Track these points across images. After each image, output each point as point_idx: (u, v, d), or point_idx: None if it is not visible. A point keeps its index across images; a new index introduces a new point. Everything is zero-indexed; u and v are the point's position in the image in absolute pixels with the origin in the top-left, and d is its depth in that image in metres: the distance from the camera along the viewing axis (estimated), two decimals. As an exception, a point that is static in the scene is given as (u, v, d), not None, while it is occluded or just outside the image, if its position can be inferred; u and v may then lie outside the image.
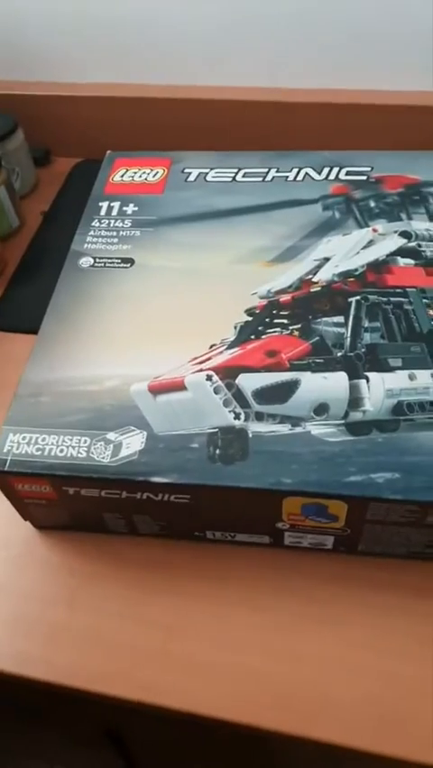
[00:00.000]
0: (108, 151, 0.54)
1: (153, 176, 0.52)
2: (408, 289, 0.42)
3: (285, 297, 0.42)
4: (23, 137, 0.64)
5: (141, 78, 0.63)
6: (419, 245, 0.44)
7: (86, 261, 0.46)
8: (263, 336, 0.40)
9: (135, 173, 0.52)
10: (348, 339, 0.40)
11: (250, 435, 0.36)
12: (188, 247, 0.46)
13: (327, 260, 0.44)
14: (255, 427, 0.37)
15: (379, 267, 0.43)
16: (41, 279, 0.59)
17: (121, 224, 0.48)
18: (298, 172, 0.50)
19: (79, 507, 0.39)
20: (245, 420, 0.37)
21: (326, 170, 0.50)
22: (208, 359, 0.39)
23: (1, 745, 0.82)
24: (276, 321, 0.41)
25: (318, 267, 0.44)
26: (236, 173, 0.51)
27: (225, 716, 0.36)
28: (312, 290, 0.42)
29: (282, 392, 0.38)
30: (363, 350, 0.39)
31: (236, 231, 0.47)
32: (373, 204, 0.47)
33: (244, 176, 0.51)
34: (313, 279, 0.43)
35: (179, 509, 0.38)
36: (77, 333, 0.42)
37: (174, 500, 0.37)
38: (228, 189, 0.50)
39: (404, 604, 0.39)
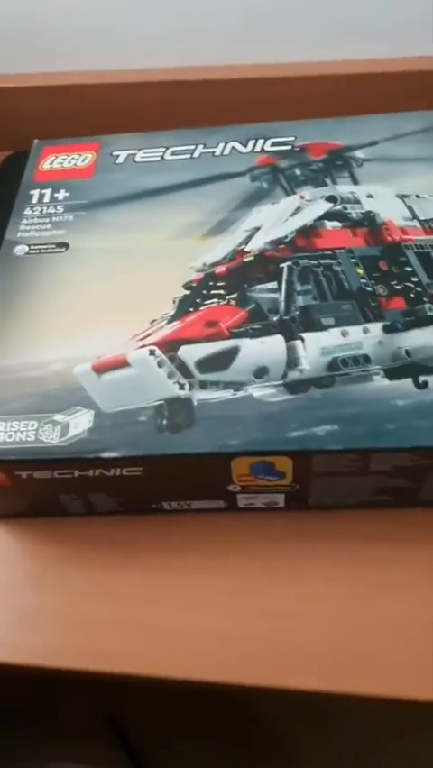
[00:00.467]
0: (35, 140, 0.54)
1: (82, 161, 0.52)
2: (336, 251, 0.43)
3: (220, 269, 0.43)
4: None
5: (64, 66, 0.62)
6: (345, 208, 0.46)
7: (20, 249, 0.46)
8: (202, 308, 0.41)
9: (64, 159, 0.52)
10: (282, 303, 0.41)
11: (195, 404, 0.37)
12: (122, 228, 0.47)
13: (257, 229, 0.45)
14: (200, 395, 0.38)
15: (308, 232, 0.44)
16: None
17: (53, 210, 0.48)
18: (224, 147, 0.51)
19: (34, 492, 0.40)
20: (190, 390, 0.38)
21: (251, 143, 0.51)
22: (150, 334, 0.40)
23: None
24: (213, 292, 0.42)
25: (250, 237, 0.45)
26: (164, 152, 0.51)
27: (197, 676, 0.38)
28: (245, 260, 0.43)
29: (223, 360, 0.39)
30: (297, 312, 0.40)
31: (168, 208, 0.47)
32: (298, 172, 0.49)
33: (172, 154, 0.51)
34: (246, 249, 0.44)
35: (132, 483, 0.38)
36: (16, 322, 0.42)
37: (127, 474, 0.38)
38: (157, 168, 0.50)
39: (356, 553, 0.40)
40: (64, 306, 0.43)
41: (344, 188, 0.47)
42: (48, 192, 0.50)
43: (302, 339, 0.39)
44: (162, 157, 0.51)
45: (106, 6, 0.58)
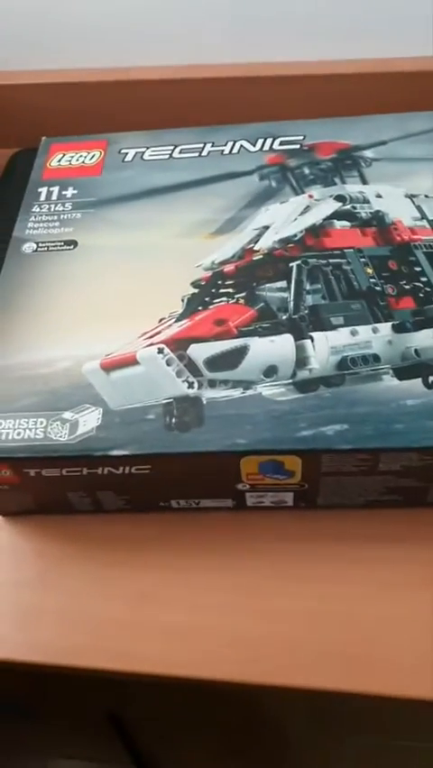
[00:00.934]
0: (43, 138, 0.54)
1: (90, 158, 0.52)
2: (345, 250, 0.43)
3: (229, 268, 0.43)
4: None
5: (72, 64, 0.62)
6: (354, 207, 0.45)
7: (29, 247, 0.46)
8: (211, 306, 0.41)
9: (72, 157, 0.52)
10: (291, 302, 0.41)
11: (204, 402, 0.37)
12: (131, 225, 0.47)
13: (266, 228, 0.45)
14: (209, 394, 0.38)
15: (317, 231, 0.44)
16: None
17: (61, 208, 0.48)
18: (233, 145, 0.51)
19: (43, 489, 0.40)
20: (199, 388, 0.38)
21: (260, 142, 0.51)
22: (158, 333, 0.40)
23: (-7, 746, 0.82)
24: (222, 291, 0.42)
25: (259, 235, 0.45)
26: (173, 150, 0.51)
27: (201, 674, 0.38)
28: (254, 259, 0.43)
29: (232, 358, 0.39)
30: (306, 311, 0.40)
31: (177, 206, 0.47)
32: (307, 171, 0.48)
33: (180, 152, 0.51)
34: (255, 248, 0.44)
35: (141, 481, 0.38)
36: (25, 319, 0.42)
37: (135, 472, 0.38)
38: (166, 166, 0.50)
39: (364, 553, 0.40)
40: (72, 303, 0.43)
41: (353, 188, 0.47)
42: (56, 189, 0.49)
43: (311, 338, 0.39)
44: (171, 155, 0.51)
45: (116, 3, 0.58)
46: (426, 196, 0.46)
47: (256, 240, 0.44)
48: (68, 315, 0.42)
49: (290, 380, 0.38)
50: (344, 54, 0.55)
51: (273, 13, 0.55)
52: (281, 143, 0.51)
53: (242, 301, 0.41)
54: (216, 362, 0.39)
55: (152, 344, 0.39)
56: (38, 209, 0.48)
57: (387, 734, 0.60)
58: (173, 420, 0.37)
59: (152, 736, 0.71)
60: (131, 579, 0.41)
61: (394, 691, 0.36)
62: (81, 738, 0.78)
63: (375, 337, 0.39)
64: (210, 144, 0.51)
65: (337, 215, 0.45)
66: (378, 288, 0.41)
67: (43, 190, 0.50)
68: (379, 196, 0.46)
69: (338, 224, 0.45)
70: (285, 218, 0.45)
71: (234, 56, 0.58)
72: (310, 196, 0.47)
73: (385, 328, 0.39)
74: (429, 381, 0.37)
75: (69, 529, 0.43)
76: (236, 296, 0.42)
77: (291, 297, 0.41)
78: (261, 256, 0.43)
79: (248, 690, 0.39)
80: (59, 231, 0.47)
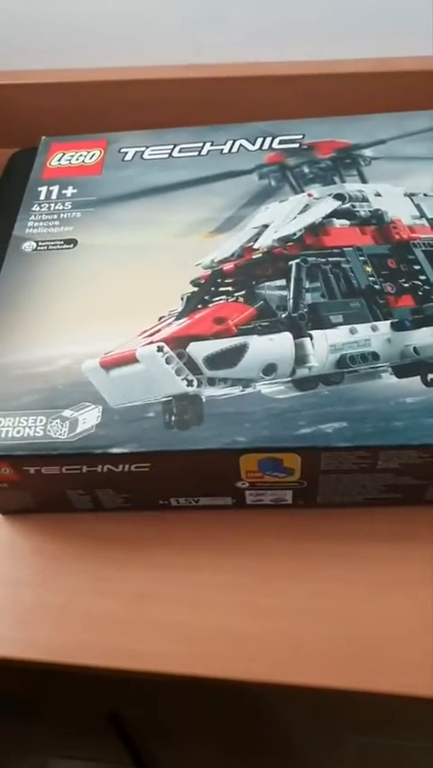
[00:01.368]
0: (43, 137, 0.54)
1: (90, 158, 0.52)
2: (345, 249, 0.43)
3: (228, 266, 0.43)
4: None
5: (72, 63, 0.62)
6: (353, 206, 0.46)
7: (28, 246, 0.46)
8: (210, 305, 0.41)
9: (72, 156, 0.52)
10: (291, 300, 0.41)
11: (204, 400, 0.37)
12: (130, 224, 0.47)
13: (265, 226, 0.45)
14: (208, 392, 0.38)
15: (316, 229, 0.44)
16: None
17: (61, 207, 0.48)
18: (232, 144, 0.51)
19: (42, 487, 0.40)
20: (198, 386, 0.38)
21: (259, 141, 0.51)
22: (158, 331, 0.40)
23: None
24: (221, 289, 0.42)
25: (258, 234, 0.45)
26: (172, 149, 0.51)
27: (201, 673, 0.38)
28: (254, 257, 0.43)
29: (232, 356, 0.39)
30: (305, 309, 0.40)
31: (176, 205, 0.47)
32: (306, 169, 0.49)
33: (179, 151, 0.51)
34: (254, 247, 0.44)
35: (140, 479, 0.38)
36: (25, 317, 0.42)
37: (135, 470, 0.38)
38: (165, 166, 0.50)
39: (363, 551, 0.40)
40: (72, 302, 0.43)
41: (352, 186, 0.47)
42: (56, 189, 0.50)
43: (311, 336, 0.39)
44: (170, 154, 0.51)
45: (116, 3, 0.58)
46: (425, 195, 0.46)
47: (256, 238, 0.45)
48: (67, 313, 0.42)
49: (289, 378, 0.38)
50: (344, 54, 0.55)
51: (273, 12, 0.55)
52: (281, 142, 0.51)
53: (241, 299, 0.41)
54: (215, 360, 0.39)
55: (151, 342, 0.39)
56: (38, 208, 0.48)
57: (387, 734, 0.60)
58: (173, 418, 0.37)
59: (152, 736, 0.71)
60: (129, 577, 0.41)
61: (394, 689, 0.36)
62: (81, 738, 0.78)
63: (374, 335, 0.39)
64: (210, 143, 0.51)
65: (337, 214, 0.45)
66: (377, 287, 0.41)
67: (43, 189, 0.50)
68: (378, 194, 0.46)
69: (338, 222, 0.45)
70: (284, 217, 0.46)
71: (234, 56, 0.58)
72: (310, 195, 0.47)
73: (384, 326, 0.39)
74: (428, 379, 0.37)
75: (69, 528, 0.43)
76: (236, 294, 0.42)
77: (291, 296, 0.41)
78: (260, 254, 0.44)
79: (248, 688, 0.39)
80: (58, 230, 0.47)
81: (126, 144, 0.52)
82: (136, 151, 0.52)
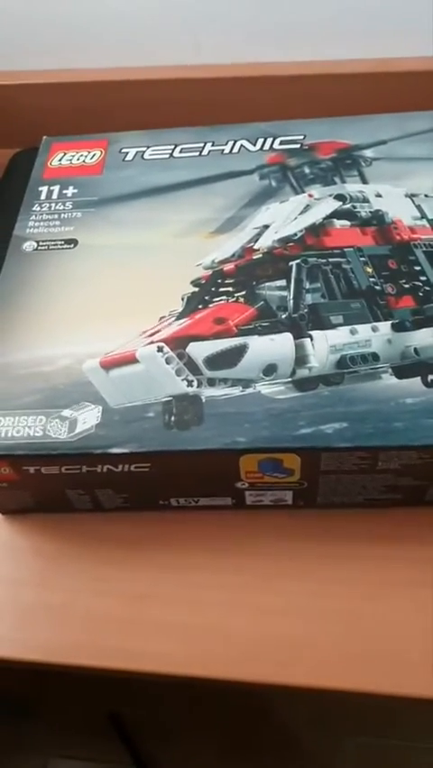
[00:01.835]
0: (44, 137, 0.54)
1: (91, 158, 0.52)
2: (345, 249, 0.43)
3: (229, 267, 0.43)
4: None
5: (74, 64, 0.62)
6: (354, 207, 0.46)
7: (29, 246, 0.46)
8: (210, 305, 0.41)
9: (73, 156, 0.52)
10: (291, 301, 0.41)
11: (204, 400, 0.37)
12: (131, 224, 0.47)
13: (266, 227, 0.45)
14: (208, 392, 0.38)
15: (317, 230, 0.44)
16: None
17: (62, 207, 0.48)
18: (233, 145, 0.51)
19: (42, 487, 0.40)
20: (198, 386, 0.38)
21: (260, 141, 0.51)
22: (158, 331, 0.40)
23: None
24: (222, 290, 0.42)
25: (259, 234, 0.45)
26: (173, 150, 0.51)
27: (201, 673, 0.38)
28: (254, 257, 0.43)
29: (232, 357, 0.39)
30: (305, 310, 0.40)
31: (177, 205, 0.47)
32: (307, 170, 0.49)
33: (180, 152, 0.51)
34: (254, 247, 0.44)
35: (140, 479, 0.38)
36: (26, 317, 0.42)
37: (134, 470, 0.38)
38: (166, 166, 0.50)
39: (363, 551, 0.40)
40: (72, 302, 0.43)
41: (353, 187, 0.47)
42: (56, 188, 0.50)
43: (311, 337, 0.39)
44: (171, 154, 0.51)
45: (116, 4, 0.58)
46: (426, 196, 0.46)
47: (256, 239, 0.45)
48: (68, 313, 0.42)
49: (290, 379, 0.38)
50: (344, 54, 0.55)
51: (274, 13, 0.55)
52: (281, 143, 0.51)
53: (242, 300, 0.41)
54: (215, 361, 0.39)
55: (152, 343, 0.39)
56: (38, 208, 0.48)
57: (387, 734, 0.60)
58: (173, 418, 0.37)
59: (153, 736, 0.71)
60: (129, 578, 0.41)
61: (394, 690, 0.36)
62: (81, 738, 0.78)
63: (375, 336, 0.39)
64: (210, 144, 0.51)
65: (337, 214, 0.45)
66: (378, 287, 0.41)
67: (44, 189, 0.50)
68: (379, 195, 0.46)
69: (338, 223, 0.45)
70: (285, 217, 0.46)
71: (235, 56, 0.58)
72: (310, 196, 0.47)
73: (385, 327, 0.39)
74: (429, 380, 0.37)
75: (69, 527, 0.43)
76: (236, 294, 0.42)
77: (291, 296, 0.41)
78: (260, 255, 0.44)
79: (248, 689, 0.39)
80: (59, 230, 0.47)
81: (127, 144, 0.52)
82: (137, 152, 0.52)
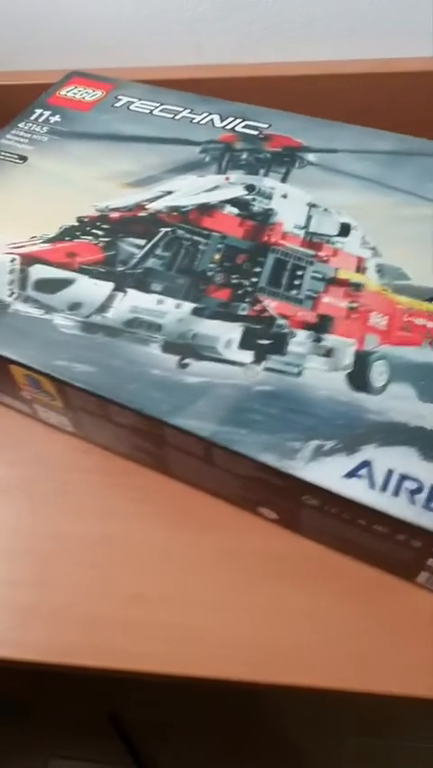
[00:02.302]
0: (73, 69, 0.61)
1: (91, 96, 0.58)
2: (213, 233, 0.45)
3: (115, 215, 0.47)
4: None
5: (75, 64, 0.65)
6: (254, 199, 0.47)
7: (-8, 152, 0.54)
8: (75, 240, 0.46)
9: (79, 91, 0.58)
10: (135, 259, 0.44)
11: (9, 311, 0.43)
12: (74, 158, 0.52)
13: (169, 193, 0.48)
14: (18, 306, 0.43)
15: (206, 209, 0.47)
16: None
17: (38, 129, 0.55)
18: (206, 117, 0.54)
19: None
20: (15, 299, 0.43)
21: (229, 120, 0.53)
22: (23, 246, 0.46)
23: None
24: (94, 231, 0.47)
25: (158, 197, 0.48)
26: (156, 107, 0.56)
27: (200, 673, 0.38)
28: (139, 215, 0.47)
29: (56, 286, 0.44)
30: (140, 271, 0.44)
31: (118, 154, 0.52)
32: (244, 156, 0.50)
33: (160, 111, 0.55)
34: (147, 206, 0.48)
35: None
36: None
37: None
38: (139, 119, 0.55)
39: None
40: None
41: (267, 182, 0.48)
42: (46, 114, 0.57)
43: (125, 292, 0.43)
44: (151, 111, 0.55)
45: (117, 4, 0.62)
46: (325, 210, 0.46)
47: (153, 200, 0.48)
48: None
49: (83, 319, 0.42)
50: (344, 55, 0.54)
51: (274, 13, 0.56)
52: (246, 126, 0.53)
53: (101, 245, 0.46)
54: (42, 285, 0.44)
55: (10, 253, 0.46)
56: (23, 125, 0.56)
57: (387, 734, 0.61)
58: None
59: (152, 736, 0.72)
60: (129, 576, 0.41)
61: (394, 690, 0.36)
62: (81, 738, 0.80)
63: (173, 311, 0.41)
64: (189, 111, 0.55)
65: (234, 202, 0.47)
66: (209, 274, 0.43)
67: (38, 112, 0.57)
68: (284, 196, 0.47)
69: (228, 209, 0.47)
70: (190, 190, 0.48)
71: (235, 56, 0.59)
72: (227, 179, 0.49)
73: (187, 307, 0.41)
74: (182, 362, 0.39)
75: (68, 528, 0.43)
76: (100, 239, 0.46)
77: (138, 256, 0.45)
78: (145, 214, 0.47)
79: (248, 689, 0.38)
80: (22, 146, 0.54)
81: (125, 93, 0.57)
82: (127, 101, 0.57)
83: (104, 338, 0.41)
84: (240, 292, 0.42)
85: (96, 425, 0.43)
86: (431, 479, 0.33)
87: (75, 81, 0.60)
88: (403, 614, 0.37)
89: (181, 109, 0.55)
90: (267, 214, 0.46)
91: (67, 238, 0.46)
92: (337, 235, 0.44)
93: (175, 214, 0.47)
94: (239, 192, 0.48)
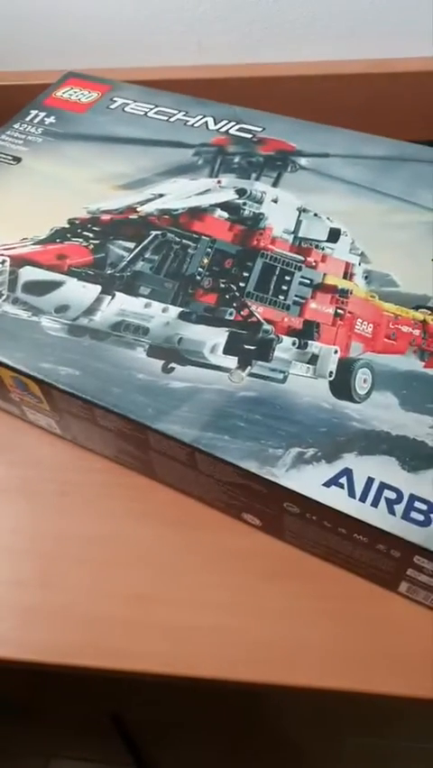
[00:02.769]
0: (68, 71, 0.61)
1: (87, 97, 0.58)
2: (202, 237, 0.45)
3: (106, 217, 0.47)
4: None
5: (76, 64, 0.65)
6: (244, 203, 0.47)
7: (-16, 152, 0.54)
8: (66, 242, 0.46)
9: (75, 93, 0.58)
10: (124, 262, 0.44)
11: (-1, 312, 0.43)
12: (68, 160, 0.52)
13: (161, 196, 0.48)
14: (7, 308, 0.43)
15: (196, 213, 0.47)
16: None
17: (33, 130, 0.55)
18: (201, 119, 0.54)
19: None
20: (5, 300, 0.44)
21: (223, 123, 0.53)
22: (14, 248, 0.46)
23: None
24: (84, 233, 0.47)
25: (149, 200, 0.48)
26: (151, 110, 0.56)
27: (201, 674, 0.38)
28: (130, 217, 0.47)
29: (45, 288, 0.44)
30: (128, 273, 0.44)
31: (112, 156, 0.52)
32: (237, 160, 0.50)
33: (155, 113, 0.55)
34: (138, 209, 0.48)
35: None
36: None
37: None
38: (135, 121, 0.55)
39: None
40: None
41: (259, 186, 0.48)
42: (42, 115, 0.57)
43: (113, 296, 0.43)
44: (146, 113, 0.55)
45: (117, 5, 0.61)
46: (315, 215, 0.46)
47: (144, 203, 0.48)
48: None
49: (69, 321, 0.42)
50: (344, 55, 0.54)
51: (274, 13, 0.56)
52: (239, 129, 0.53)
53: (91, 247, 0.46)
54: (31, 287, 0.44)
55: (1, 255, 0.46)
56: (18, 126, 0.56)
57: (387, 734, 0.60)
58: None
59: (152, 735, 0.72)
60: (130, 577, 0.41)
61: (394, 690, 0.36)
62: (82, 738, 0.80)
63: (160, 315, 0.41)
64: (183, 113, 0.55)
65: (225, 206, 0.47)
66: (198, 278, 0.43)
67: (33, 113, 0.57)
68: (275, 200, 0.47)
69: (218, 213, 0.47)
70: (181, 193, 0.48)
71: (236, 56, 0.59)
72: (219, 182, 0.49)
73: (174, 312, 0.41)
74: (167, 367, 0.39)
75: (68, 528, 0.43)
76: (91, 241, 0.46)
77: (128, 259, 0.45)
78: (136, 217, 0.47)
79: (248, 689, 0.38)
80: (17, 147, 0.54)
81: (121, 95, 0.57)
82: (123, 103, 0.57)
83: (90, 341, 0.41)
84: (227, 297, 0.42)
85: (82, 428, 0.43)
86: (411, 489, 0.33)
87: (71, 82, 0.60)
88: (403, 614, 0.37)
89: (176, 111, 0.55)
90: (257, 219, 0.46)
91: (57, 240, 0.46)
92: (326, 241, 0.44)
93: (166, 217, 0.47)
94: (230, 196, 0.48)
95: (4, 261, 0.45)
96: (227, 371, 0.39)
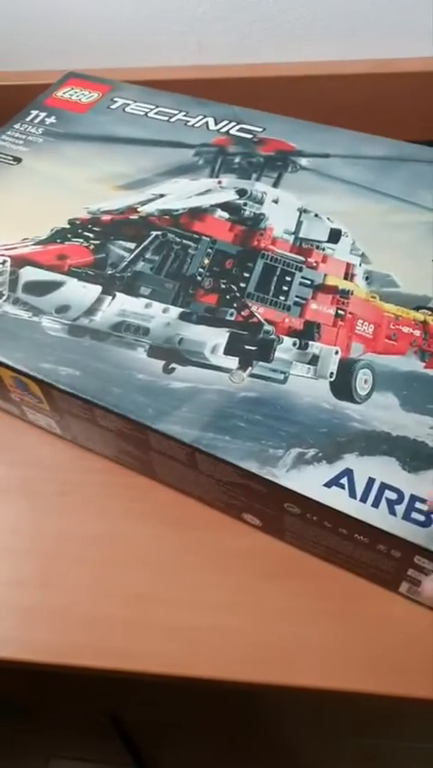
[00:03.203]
0: (69, 71, 0.61)
1: (87, 97, 0.58)
2: (203, 237, 0.45)
3: (106, 218, 0.47)
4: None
5: (77, 64, 0.65)
6: (245, 204, 0.47)
7: (-15, 152, 0.54)
8: (66, 243, 0.46)
9: (75, 93, 0.58)
10: (125, 263, 0.44)
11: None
12: (68, 160, 0.52)
13: (162, 196, 0.48)
14: (7, 308, 0.43)
15: (197, 213, 0.47)
16: None
17: (33, 131, 0.55)
18: (201, 120, 0.54)
19: None
20: (4, 301, 0.44)
21: (223, 123, 0.53)
22: (15, 248, 0.46)
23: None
24: (85, 234, 0.47)
25: (150, 200, 0.48)
26: (151, 110, 0.56)
27: (201, 674, 0.38)
28: (130, 217, 0.47)
29: (45, 288, 0.44)
30: (129, 274, 0.44)
31: (112, 157, 0.52)
32: (237, 160, 0.50)
33: (156, 113, 0.55)
34: (138, 209, 0.48)
35: None
36: None
37: None
38: (135, 122, 0.55)
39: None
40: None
41: (259, 187, 0.48)
42: (42, 115, 0.57)
43: (113, 296, 0.43)
44: (147, 114, 0.55)
45: (118, 5, 0.62)
46: (316, 216, 0.46)
47: (145, 203, 0.48)
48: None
49: (70, 322, 0.42)
50: (344, 55, 0.54)
51: (274, 13, 0.56)
52: (240, 130, 0.53)
53: (92, 247, 0.46)
54: (31, 287, 0.44)
55: (1, 255, 0.46)
56: (18, 126, 0.56)
57: (387, 734, 0.60)
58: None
59: (151, 735, 0.72)
60: (130, 577, 0.41)
61: (394, 691, 0.36)
62: (81, 738, 0.80)
63: (160, 315, 0.41)
64: (183, 113, 0.55)
65: (225, 206, 0.47)
66: (198, 278, 0.43)
67: (34, 113, 0.57)
68: (275, 201, 0.47)
69: (219, 213, 0.47)
70: (182, 193, 0.48)
71: (235, 56, 0.59)
72: (219, 183, 0.49)
73: (174, 312, 0.41)
74: (168, 367, 0.39)
75: (68, 528, 0.43)
76: (91, 241, 0.46)
77: (128, 259, 0.45)
78: (137, 217, 0.47)
79: (248, 689, 0.38)
80: (17, 147, 0.54)
81: (121, 95, 0.57)
82: (123, 103, 0.57)
83: (90, 341, 0.41)
84: (228, 297, 0.42)
85: (82, 429, 0.43)
86: (411, 489, 0.33)
87: (72, 82, 0.60)
88: (404, 614, 0.37)
89: (177, 112, 0.55)
90: (257, 219, 0.46)
91: (58, 240, 0.46)
92: (327, 241, 0.44)
93: (166, 217, 0.47)
94: (231, 196, 0.48)
95: (4, 262, 0.45)
96: (228, 372, 0.39)
